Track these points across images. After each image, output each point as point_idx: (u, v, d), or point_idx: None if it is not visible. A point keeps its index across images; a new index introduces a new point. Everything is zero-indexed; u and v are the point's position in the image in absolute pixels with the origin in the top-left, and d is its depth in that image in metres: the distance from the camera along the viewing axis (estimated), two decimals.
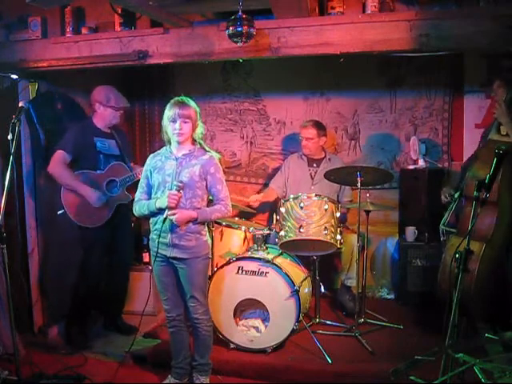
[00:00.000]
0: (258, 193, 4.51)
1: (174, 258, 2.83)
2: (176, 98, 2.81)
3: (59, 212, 3.56)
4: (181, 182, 2.73)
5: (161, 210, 2.76)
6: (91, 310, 3.80)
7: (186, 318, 2.98)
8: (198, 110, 2.84)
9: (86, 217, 3.54)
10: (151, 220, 2.89)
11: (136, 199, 2.92)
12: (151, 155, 2.97)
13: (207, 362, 3.00)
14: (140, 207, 2.88)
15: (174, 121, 2.76)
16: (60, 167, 3.52)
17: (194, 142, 2.87)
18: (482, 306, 3.12)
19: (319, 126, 4.15)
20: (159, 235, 2.81)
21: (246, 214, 4.47)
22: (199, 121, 2.85)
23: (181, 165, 2.81)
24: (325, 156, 4.24)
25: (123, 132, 3.96)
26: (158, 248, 2.82)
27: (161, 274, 2.90)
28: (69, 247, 3.76)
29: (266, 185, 4.66)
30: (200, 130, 2.86)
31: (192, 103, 2.81)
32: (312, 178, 4.19)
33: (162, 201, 2.74)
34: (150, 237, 2.93)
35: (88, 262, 3.60)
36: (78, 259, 3.64)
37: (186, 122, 2.76)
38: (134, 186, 3.63)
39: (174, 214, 2.71)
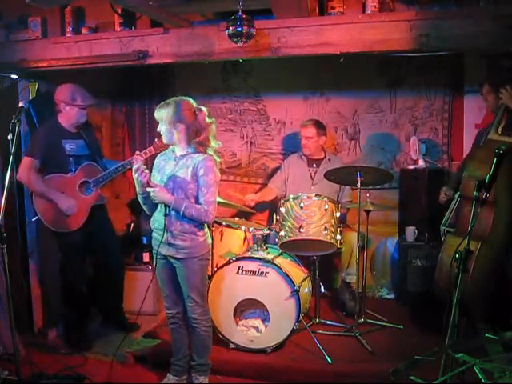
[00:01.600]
0: (256, 193, 4.50)
1: (171, 257, 2.85)
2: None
3: (33, 219, 3.50)
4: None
5: (144, 193, 2.78)
6: (88, 310, 3.80)
7: (186, 316, 2.98)
8: (174, 112, 2.72)
9: (61, 222, 3.44)
10: (152, 219, 2.92)
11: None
12: (159, 155, 3.01)
13: (205, 362, 3.00)
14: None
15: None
16: (28, 174, 3.37)
17: (188, 143, 2.82)
18: (482, 306, 3.12)
19: (319, 126, 4.15)
20: (158, 233, 2.85)
21: (245, 214, 4.47)
22: (181, 123, 2.74)
23: (177, 165, 2.82)
24: (324, 156, 4.24)
25: (90, 129, 3.84)
26: (158, 247, 2.84)
27: (160, 271, 2.93)
28: (54, 251, 3.69)
29: (265, 185, 4.67)
30: (188, 132, 2.77)
31: (170, 106, 2.73)
32: (312, 178, 4.19)
33: (137, 184, 2.78)
34: (152, 234, 2.96)
35: (68, 266, 3.57)
36: (57, 264, 3.61)
37: (161, 124, 2.79)
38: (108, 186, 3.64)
39: (154, 190, 2.72)
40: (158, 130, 2.83)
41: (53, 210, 3.42)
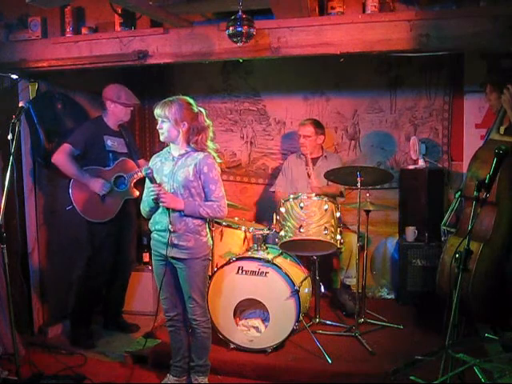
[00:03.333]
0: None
1: (173, 258, 2.83)
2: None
3: (68, 207, 3.57)
4: (148, 168, 2.73)
5: (157, 203, 2.77)
6: (94, 309, 3.80)
7: (185, 318, 2.98)
8: (180, 110, 2.73)
9: (95, 211, 3.56)
10: (151, 220, 2.90)
11: (142, 200, 2.94)
12: (154, 155, 3.00)
13: (204, 363, 2.98)
14: (143, 206, 2.93)
15: (157, 120, 2.81)
16: (64, 157, 3.52)
17: (188, 142, 2.82)
18: (482, 306, 3.12)
19: (317, 125, 4.15)
20: (160, 235, 2.84)
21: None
22: (186, 122, 2.74)
23: (176, 165, 2.81)
24: (322, 154, 4.23)
25: (130, 129, 3.97)
26: (166, 250, 2.80)
27: (160, 273, 2.90)
28: (75, 245, 3.75)
29: (265, 185, 4.67)
30: (191, 131, 2.77)
31: (174, 103, 2.74)
32: (309, 177, 4.19)
33: (150, 198, 2.77)
34: (151, 236, 2.94)
35: (97, 259, 3.61)
36: (84, 257, 3.64)
37: (163, 122, 2.77)
38: (141, 183, 3.66)
39: (165, 201, 2.71)
40: (158, 127, 2.79)
41: (88, 199, 3.55)
